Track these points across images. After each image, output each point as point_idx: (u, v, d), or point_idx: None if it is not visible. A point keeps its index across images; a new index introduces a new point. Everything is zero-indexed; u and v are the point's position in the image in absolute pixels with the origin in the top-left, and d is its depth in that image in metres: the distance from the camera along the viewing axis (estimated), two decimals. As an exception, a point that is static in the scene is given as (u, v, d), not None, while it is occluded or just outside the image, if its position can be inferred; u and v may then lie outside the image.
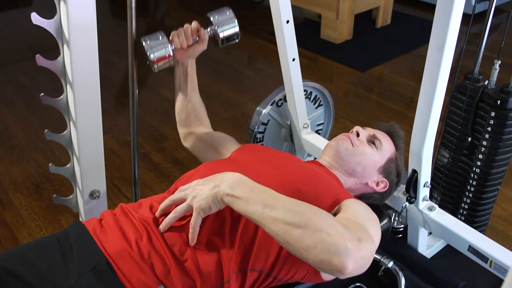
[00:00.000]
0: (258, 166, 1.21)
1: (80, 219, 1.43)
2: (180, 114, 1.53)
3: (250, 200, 0.94)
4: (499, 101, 1.51)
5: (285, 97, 1.88)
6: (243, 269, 1.06)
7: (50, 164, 1.33)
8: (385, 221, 1.38)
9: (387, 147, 1.34)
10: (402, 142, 1.40)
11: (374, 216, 1.09)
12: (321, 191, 1.13)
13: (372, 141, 1.32)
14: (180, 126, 1.56)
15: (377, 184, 1.32)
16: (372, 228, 1.03)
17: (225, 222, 1.08)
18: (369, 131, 1.36)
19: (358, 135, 1.32)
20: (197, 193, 1.04)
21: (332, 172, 1.30)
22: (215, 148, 1.47)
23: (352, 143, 1.31)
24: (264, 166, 1.21)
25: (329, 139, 2.00)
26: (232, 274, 1.05)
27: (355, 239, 0.88)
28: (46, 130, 1.26)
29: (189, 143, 1.54)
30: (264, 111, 1.87)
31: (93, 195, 1.34)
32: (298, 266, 1.09)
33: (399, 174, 1.37)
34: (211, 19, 1.37)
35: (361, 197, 1.34)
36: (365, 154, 1.30)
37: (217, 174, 1.06)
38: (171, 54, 1.33)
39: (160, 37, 1.34)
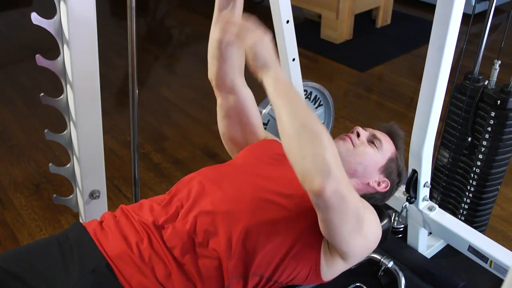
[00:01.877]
0: (260, 173, 1.22)
1: (80, 219, 1.43)
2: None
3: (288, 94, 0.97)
4: (499, 101, 1.51)
5: (285, 97, 1.88)
6: (245, 275, 1.06)
7: (50, 164, 1.33)
8: (385, 221, 1.38)
9: (387, 147, 1.33)
10: (402, 142, 1.40)
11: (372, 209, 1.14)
12: None
13: (372, 141, 1.32)
14: (210, 61, 1.30)
15: (379, 184, 1.31)
16: (368, 211, 1.10)
17: (226, 226, 1.07)
18: (369, 131, 1.36)
19: (358, 135, 1.32)
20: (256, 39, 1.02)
21: None
22: (245, 127, 1.39)
23: (352, 143, 1.31)
24: (265, 175, 1.21)
25: (329, 139, 2.00)
26: (233, 279, 1.04)
27: (345, 178, 0.94)
28: (46, 130, 1.26)
29: (223, 87, 1.33)
30: (264, 111, 1.87)
31: (93, 195, 1.34)
32: (299, 269, 1.09)
33: (400, 174, 1.37)
34: None
35: (362, 197, 1.34)
36: (366, 154, 1.29)
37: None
38: None
39: None
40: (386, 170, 1.32)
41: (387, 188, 1.32)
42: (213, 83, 1.34)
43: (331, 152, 0.92)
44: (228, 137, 1.39)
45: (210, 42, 1.27)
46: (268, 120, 1.90)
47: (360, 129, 1.32)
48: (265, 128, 1.91)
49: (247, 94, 1.35)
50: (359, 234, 1.06)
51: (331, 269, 1.14)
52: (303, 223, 1.09)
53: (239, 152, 1.38)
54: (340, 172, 0.93)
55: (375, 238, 1.15)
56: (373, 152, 1.30)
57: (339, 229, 1.00)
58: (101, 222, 1.12)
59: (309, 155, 0.91)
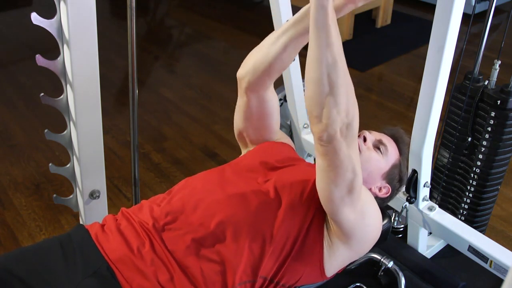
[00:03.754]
0: (264, 177, 1.21)
1: (80, 219, 1.43)
2: (268, 55, 1.17)
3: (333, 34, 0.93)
4: (499, 101, 1.51)
5: (285, 97, 1.88)
6: (253, 279, 1.06)
7: (50, 164, 1.33)
8: (385, 221, 1.38)
9: (392, 153, 1.32)
10: (406, 148, 1.38)
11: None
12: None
13: (377, 146, 1.31)
14: (256, 67, 1.20)
15: (380, 189, 1.31)
16: (368, 195, 1.14)
17: (232, 231, 1.07)
18: (375, 135, 1.34)
19: (365, 140, 1.31)
20: None
21: None
22: (264, 129, 1.36)
23: (359, 149, 1.30)
24: (269, 179, 1.20)
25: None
26: (239, 285, 1.04)
27: (350, 137, 0.95)
28: (46, 130, 1.26)
29: (256, 91, 1.26)
30: (264, 111, 1.86)
31: (93, 195, 1.34)
32: (303, 268, 1.09)
33: (402, 179, 1.36)
34: None
35: None
36: (371, 160, 1.28)
37: None
38: None
39: None
40: (389, 176, 1.31)
41: (388, 194, 1.32)
42: (243, 85, 1.25)
43: (351, 104, 0.93)
44: (244, 135, 1.37)
45: (266, 52, 1.18)
46: (268, 120, 1.90)
47: (367, 134, 1.31)
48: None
49: (274, 101, 1.33)
50: (352, 207, 1.05)
51: (334, 260, 1.13)
52: (304, 222, 1.10)
53: (250, 149, 1.37)
54: (347, 130, 0.94)
55: (375, 222, 1.15)
56: (378, 158, 1.29)
57: (329, 187, 1.01)
58: (103, 226, 1.12)
59: (331, 100, 0.91)
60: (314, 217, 1.11)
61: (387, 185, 1.31)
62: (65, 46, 1.14)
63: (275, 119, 1.35)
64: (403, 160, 1.36)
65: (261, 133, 1.35)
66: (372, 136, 1.32)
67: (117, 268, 1.01)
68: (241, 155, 1.40)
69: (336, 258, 1.13)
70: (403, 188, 1.49)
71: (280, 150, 1.34)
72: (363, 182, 1.30)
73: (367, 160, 1.28)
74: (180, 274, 1.02)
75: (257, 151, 1.34)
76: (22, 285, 0.97)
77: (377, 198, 1.33)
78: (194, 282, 1.02)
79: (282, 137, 1.42)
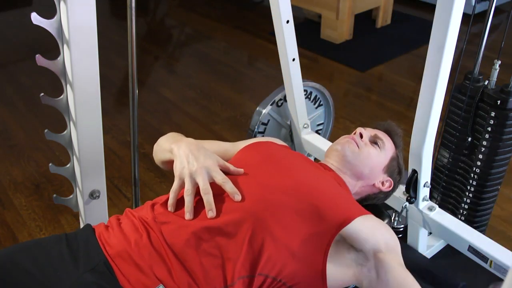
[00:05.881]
0: (265, 174, 1.19)
1: (80, 219, 1.43)
2: None
3: None
4: (499, 101, 1.51)
5: (285, 97, 1.88)
6: (252, 274, 1.05)
7: (50, 164, 1.33)
8: (385, 221, 1.38)
9: (389, 146, 1.35)
10: (400, 140, 1.42)
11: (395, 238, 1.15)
12: (335, 208, 1.11)
13: (374, 141, 1.32)
14: None
15: (383, 183, 1.33)
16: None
17: (233, 225, 1.06)
18: (370, 131, 1.37)
19: (361, 136, 1.32)
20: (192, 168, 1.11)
21: (340, 176, 1.29)
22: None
23: (357, 145, 1.31)
24: (272, 175, 1.18)
25: (329, 139, 2.00)
26: (238, 279, 1.03)
27: None
28: (46, 130, 1.26)
29: None
30: (264, 111, 1.87)
31: (93, 195, 1.34)
32: (304, 272, 1.08)
33: (401, 171, 1.39)
34: None
35: (367, 198, 1.35)
36: (371, 155, 1.30)
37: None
38: None
39: None
40: (389, 170, 1.34)
41: (391, 187, 1.34)
42: None
43: None
44: None
45: None
46: (268, 120, 1.90)
47: (362, 130, 1.33)
48: (264, 129, 1.91)
49: None
50: None
51: (337, 276, 1.11)
52: (309, 227, 1.07)
53: (243, 148, 1.36)
54: None
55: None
56: (377, 153, 1.30)
57: None
58: (107, 226, 1.14)
59: None
60: (318, 227, 1.09)
61: (389, 178, 1.34)
62: (65, 46, 1.14)
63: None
64: (399, 152, 1.38)
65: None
66: (367, 132, 1.34)
67: (115, 263, 1.02)
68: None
69: (340, 276, 1.11)
70: (402, 184, 1.49)
71: (281, 149, 1.34)
72: (366, 178, 1.31)
73: (367, 156, 1.29)
74: (178, 267, 1.01)
75: (256, 148, 1.33)
76: (25, 276, 0.99)
77: (381, 192, 1.34)
78: (193, 276, 1.02)
79: (245, 143, 1.40)
